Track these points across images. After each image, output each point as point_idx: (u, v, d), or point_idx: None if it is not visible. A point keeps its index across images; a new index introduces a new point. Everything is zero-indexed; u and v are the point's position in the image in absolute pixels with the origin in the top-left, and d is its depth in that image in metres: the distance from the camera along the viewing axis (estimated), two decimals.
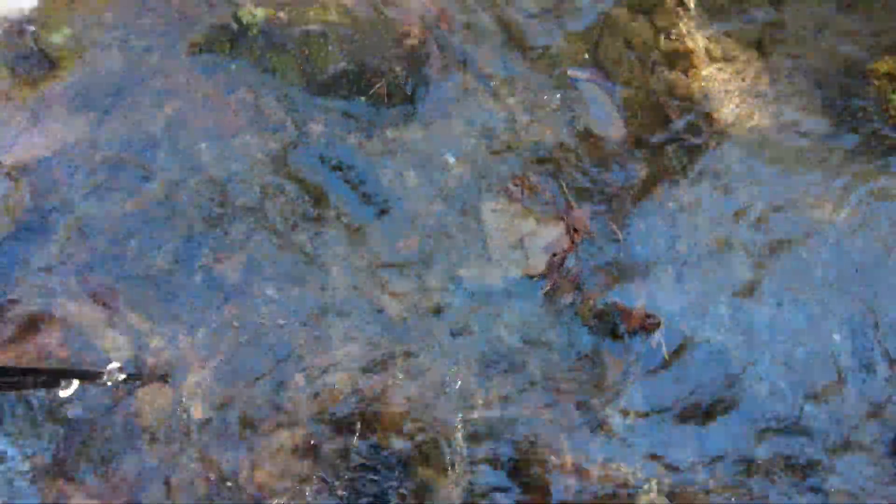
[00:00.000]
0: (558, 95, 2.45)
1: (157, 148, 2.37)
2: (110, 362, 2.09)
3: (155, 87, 2.43)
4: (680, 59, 2.57)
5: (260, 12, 2.42)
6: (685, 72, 2.55)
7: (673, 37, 2.60)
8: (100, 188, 2.33)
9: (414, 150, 2.39)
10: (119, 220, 2.29)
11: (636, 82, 2.50)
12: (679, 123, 2.47)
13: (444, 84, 2.44)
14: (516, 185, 2.29)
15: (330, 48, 2.34)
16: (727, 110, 2.52)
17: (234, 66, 2.43)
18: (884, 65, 2.53)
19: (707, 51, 2.60)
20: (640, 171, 2.40)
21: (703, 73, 2.56)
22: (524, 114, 2.43)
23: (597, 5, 2.58)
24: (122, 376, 1.98)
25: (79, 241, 2.27)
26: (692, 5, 2.66)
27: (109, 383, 1.97)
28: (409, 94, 2.39)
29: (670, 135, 2.46)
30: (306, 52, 2.35)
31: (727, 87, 2.55)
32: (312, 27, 2.36)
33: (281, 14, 2.40)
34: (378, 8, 2.47)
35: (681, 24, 2.62)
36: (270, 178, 2.34)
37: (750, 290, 2.35)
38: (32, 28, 2.56)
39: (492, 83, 2.45)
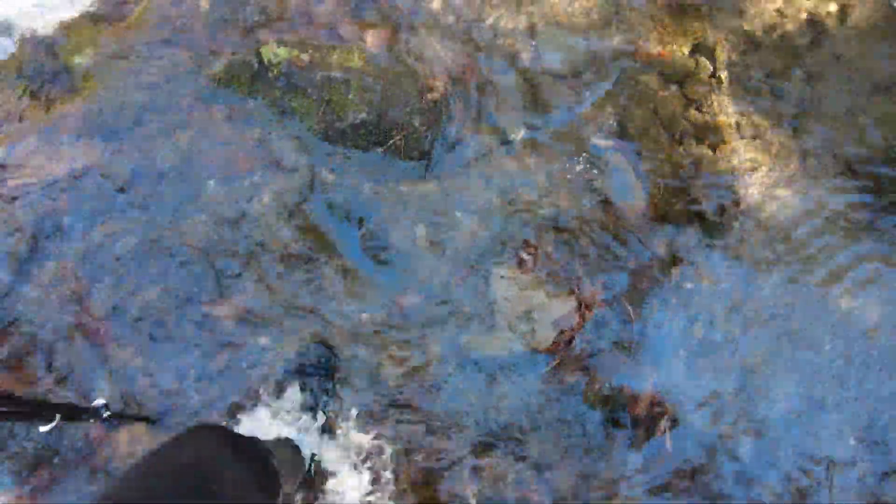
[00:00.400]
0: (580, 162, 2.37)
1: (165, 181, 2.32)
2: (95, 398, 2.00)
3: (170, 118, 2.39)
4: (709, 133, 2.48)
5: (283, 51, 2.37)
6: (713, 147, 2.46)
7: (703, 109, 2.52)
8: (103, 218, 2.27)
9: (427, 206, 2.31)
10: (118, 252, 2.23)
11: (662, 155, 2.42)
12: (703, 200, 2.38)
13: (463, 141, 2.37)
14: (529, 254, 2.21)
15: (350, 96, 2.29)
16: (754, 190, 2.43)
17: (251, 105, 2.38)
18: None
19: (738, 126, 2.52)
20: (660, 247, 2.31)
21: (732, 149, 2.47)
22: (543, 178, 2.35)
23: (627, 72, 2.51)
24: (107, 413, 1.89)
25: (75, 270, 2.21)
26: (725, 78, 2.58)
27: (92, 420, 1.88)
28: (427, 148, 2.33)
29: (693, 212, 2.37)
30: (326, 97, 2.29)
31: (756, 165, 2.46)
32: (334, 73, 2.30)
33: (304, 56, 2.36)
34: (402, 58, 2.42)
35: (712, 97, 2.54)
36: (277, 223, 2.28)
37: (766, 381, 2.24)
38: (57, 47, 2.54)
39: (513, 144, 2.38)
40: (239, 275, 2.21)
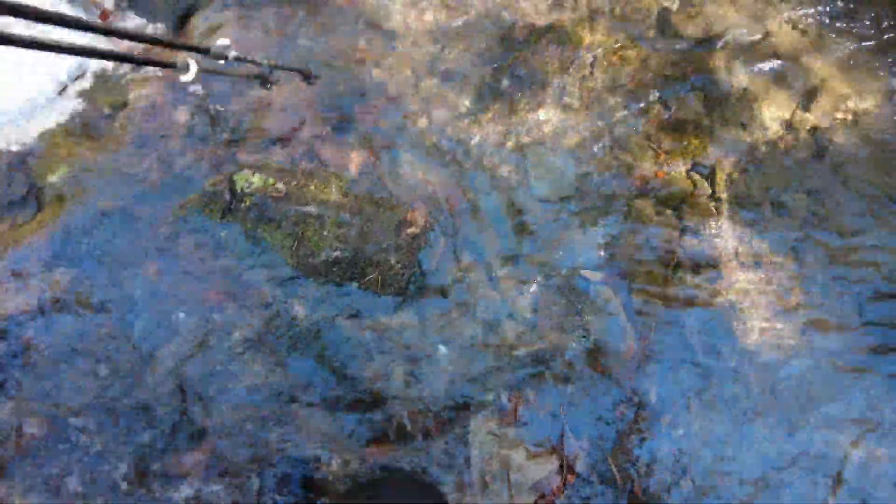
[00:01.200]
0: (568, 297, 2.25)
1: (134, 313, 2.24)
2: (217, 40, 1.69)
3: (140, 245, 2.31)
4: (706, 262, 2.34)
5: (257, 179, 2.29)
6: (711, 279, 2.31)
7: (701, 236, 2.37)
8: (68, 354, 2.19)
9: (405, 343, 2.20)
10: (82, 395, 2.15)
11: (655, 289, 2.28)
12: (698, 341, 2.24)
13: (443, 275, 2.26)
14: (510, 402, 2.08)
15: (325, 233, 2.19)
16: (753, 327, 2.27)
17: (223, 234, 2.29)
18: None
19: (737, 253, 2.37)
20: (650, 393, 2.16)
21: (731, 281, 2.32)
22: (529, 315, 2.22)
23: (620, 196, 2.38)
24: (233, 53, 1.59)
25: (33, 415, 2.13)
26: (725, 199, 2.44)
27: (221, 61, 1.59)
28: (405, 284, 2.22)
29: (687, 354, 2.22)
30: (300, 232, 2.20)
31: (755, 298, 2.31)
32: (309, 209, 2.21)
33: (279, 185, 2.27)
34: (384, 183, 2.32)
35: (710, 222, 2.40)
36: (248, 360, 2.18)
37: None
38: (30, 164, 2.48)
39: (496, 278, 2.26)
40: (204, 424, 2.11)
